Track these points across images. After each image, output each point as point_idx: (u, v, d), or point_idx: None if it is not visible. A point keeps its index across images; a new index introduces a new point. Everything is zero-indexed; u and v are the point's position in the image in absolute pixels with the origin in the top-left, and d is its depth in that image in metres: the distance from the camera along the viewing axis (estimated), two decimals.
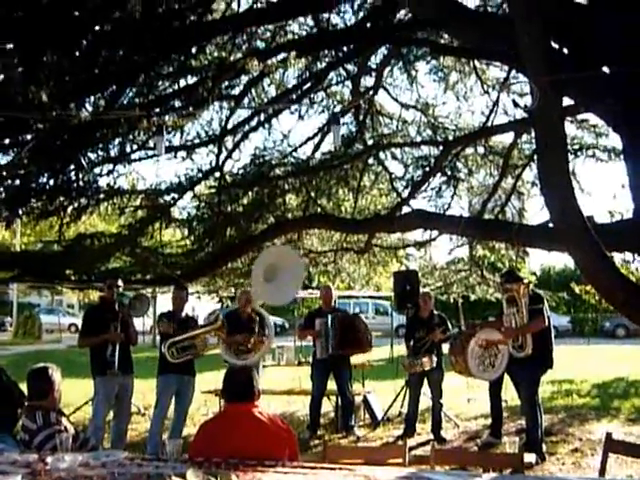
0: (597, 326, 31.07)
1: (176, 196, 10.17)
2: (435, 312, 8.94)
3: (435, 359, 8.52)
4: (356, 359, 9.73)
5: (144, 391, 10.03)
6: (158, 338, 8.04)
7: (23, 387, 4.94)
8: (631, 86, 5.87)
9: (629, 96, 5.95)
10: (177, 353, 7.58)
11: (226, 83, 8.68)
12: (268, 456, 3.63)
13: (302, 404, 10.44)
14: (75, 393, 10.11)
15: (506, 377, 7.92)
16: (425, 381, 8.80)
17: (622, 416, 9.96)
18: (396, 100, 11.14)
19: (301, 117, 10.74)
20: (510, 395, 8.51)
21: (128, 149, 9.05)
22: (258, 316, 8.64)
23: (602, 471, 4.21)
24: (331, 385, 9.16)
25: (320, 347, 8.88)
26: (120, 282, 7.79)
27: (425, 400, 8.90)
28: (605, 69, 6.24)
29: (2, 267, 10.02)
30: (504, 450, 7.41)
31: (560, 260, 35.86)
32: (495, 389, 8.14)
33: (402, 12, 9.14)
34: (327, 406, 9.41)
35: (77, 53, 6.82)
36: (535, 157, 8.37)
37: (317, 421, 9.03)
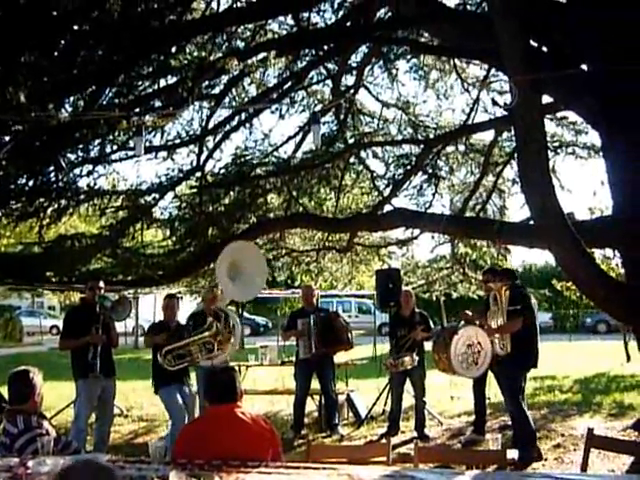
0: (578, 322, 31.28)
1: (157, 196, 10.13)
2: (417, 310, 8.95)
3: (416, 357, 8.52)
4: (339, 358, 9.73)
5: (126, 392, 9.99)
6: (140, 340, 7.98)
7: (3, 391, 4.90)
8: (609, 83, 5.92)
9: (608, 93, 6.01)
10: (174, 361, 7.38)
11: (206, 83, 8.66)
12: (251, 456, 3.62)
13: (286, 404, 10.42)
14: (57, 396, 10.04)
15: (489, 374, 7.95)
16: (408, 379, 8.81)
17: (604, 411, 10.02)
18: (377, 99, 11.17)
19: (282, 116, 10.75)
20: (493, 392, 8.55)
21: (108, 149, 9.02)
22: (223, 314, 8.39)
23: (584, 466, 4.23)
24: (315, 384, 9.16)
25: (303, 347, 8.88)
26: (102, 284, 7.72)
27: (409, 398, 8.92)
28: (584, 67, 6.29)
29: None
30: (487, 447, 7.48)
31: (541, 257, 36.16)
32: (479, 386, 8.17)
33: (382, 11, 9.17)
34: (311, 405, 9.40)
35: (55, 53, 6.78)
36: (515, 155, 8.41)
37: (301, 421, 9.02)
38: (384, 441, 5.88)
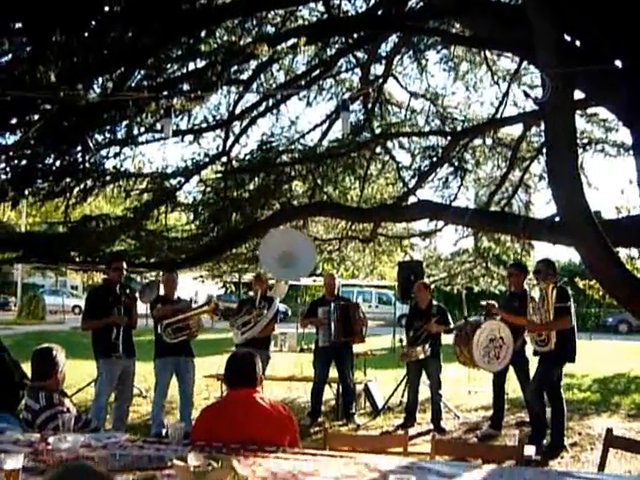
0: (600, 321, 31.06)
1: (182, 180, 10.17)
2: (435, 303, 8.90)
3: (429, 349, 8.48)
4: (358, 348, 9.73)
5: (145, 374, 10.05)
6: (149, 321, 8.10)
7: (27, 366, 4.95)
8: None
9: None
10: (173, 334, 7.68)
11: (235, 67, 8.65)
12: (269, 442, 3.63)
13: (303, 391, 10.45)
14: (78, 374, 10.14)
15: (510, 369, 7.93)
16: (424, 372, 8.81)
17: (622, 412, 9.96)
18: (405, 89, 11.11)
19: (309, 104, 10.74)
20: (512, 387, 8.50)
21: (135, 131, 9.05)
22: (269, 298, 8.66)
23: (602, 466, 4.20)
24: (333, 373, 9.17)
25: (322, 335, 8.89)
26: (124, 264, 7.80)
27: (425, 390, 8.91)
28: (617, 63, 6.20)
29: (7, 247, 10.02)
30: (504, 442, 7.47)
31: (565, 254, 35.85)
32: (499, 381, 8.14)
33: (414, 0, 9.09)
34: (328, 394, 9.41)
35: (86, 33, 6.79)
36: (544, 150, 8.34)
37: (318, 408, 9.04)
38: (401, 432, 5.89)
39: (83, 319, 7.81)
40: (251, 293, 9.02)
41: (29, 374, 4.52)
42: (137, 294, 7.95)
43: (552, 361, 7.25)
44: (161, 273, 9.10)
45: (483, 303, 8.20)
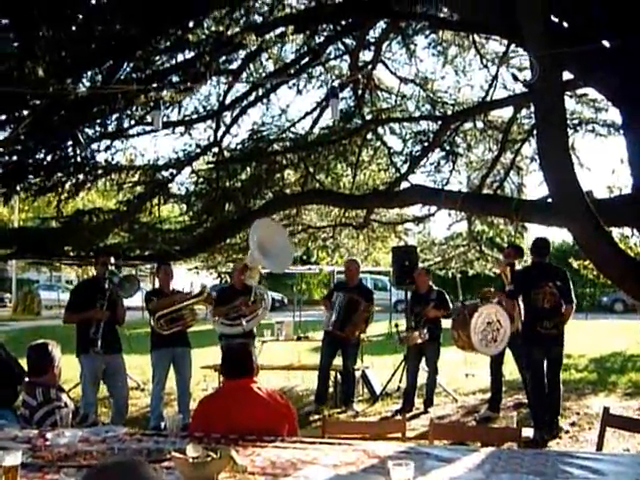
0: (595, 301, 31.15)
1: (174, 172, 10.15)
2: (435, 288, 8.92)
3: (426, 333, 8.51)
4: None
5: (142, 366, 10.07)
6: (146, 314, 8.07)
7: (23, 362, 4.95)
8: (631, 60, 5.83)
9: (629, 70, 5.92)
10: (166, 325, 7.67)
11: (224, 58, 8.63)
12: (267, 431, 3.64)
13: (301, 379, 10.50)
14: (74, 370, 10.12)
15: (507, 352, 7.97)
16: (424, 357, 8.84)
17: (619, 390, 10.03)
18: (395, 74, 11.05)
19: (299, 92, 10.67)
20: (508, 370, 8.54)
21: (126, 124, 9.01)
22: (252, 288, 8.60)
23: (600, 445, 4.23)
24: (337, 360, 9.14)
25: (326, 319, 9.03)
26: (112, 259, 7.76)
27: (424, 375, 8.94)
28: (605, 43, 6.20)
29: (0, 244, 10.01)
30: (502, 424, 7.51)
31: (558, 235, 35.91)
32: (496, 364, 8.18)
33: None
34: (329, 379, 9.41)
35: (73, 27, 6.76)
36: (534, 132, 8.33)
37: (324, 392, 9.02)
38: (399, 417, 5.91)
39: (66, 312, 7.77)
40: (230, 282, 8.92)
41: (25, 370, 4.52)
42: (118, 289, 7.88)
43: (561, 345, 7.28)
44: (155, 266, 9.08)
45: (486, 290, 8.23)
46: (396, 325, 9.70)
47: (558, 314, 7.13)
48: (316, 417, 8.32)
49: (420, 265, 10.32)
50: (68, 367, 4.81)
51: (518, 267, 8.23)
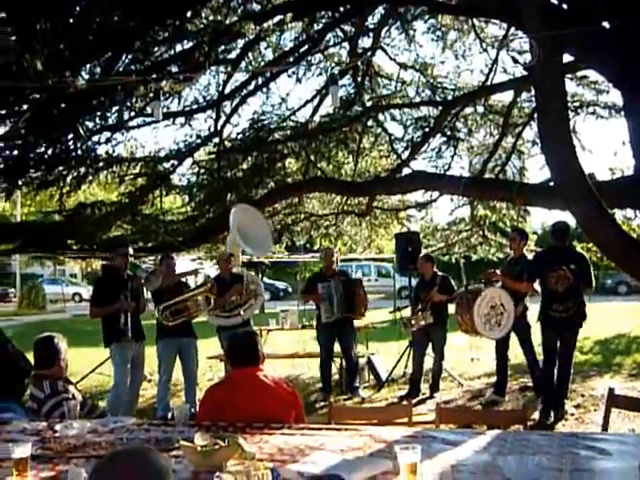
0: (599, 283, 31.09)
1: (175, 163, 10.15)
2: (439, 274, 8.92)
3: (430, 316, 8.54)
4: (359, 322, 9.74)
5: (149, 357, 10.09)
6: (151, 306, 8.09)
7: (29, 357, 4.97)
8: (631, 41, 5.81)
9: (629, 51, 5.89)
10: (171, 316, 7.70)
11: (222, 47, 8.60)
12: (274, 419, 3.66)
13: (306, 367, 10.51)
14: (81, 362, 10.16)
15: (512, 335, 7.98)
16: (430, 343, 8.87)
17: (624, 372, 10.04)
18: (394, 60, 11.02)
19: (299, 80, 10.65)
20: (514, 353, 8.55)
21: (126, 116, 9.01)
22: (240, 276, 8.55)
23: (605, 426, 4.24)
24: (336, 347, 9.19)
25: (324, 311, 8.86)
26: (131, 250, 7.82)
27: (429, 360, 8.96)
28: (605, 25, 6.17)
29: (4, 239, 10.02)
30: (508, 408, 7.53)
31: (561, 219, 35.85)
32: (502, 348, 8.18)
33: None
34: (331, 368, 9.46)
35: (71, 19, 6.75)
36: (535, 115, 8.31)
37: (329, 381, 9.06)
38: (405, 403, 5.93)
39: (91, 306, 7.81)
40: (218, 272, 8.86)
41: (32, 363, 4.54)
42: (142, 282, 7.92)
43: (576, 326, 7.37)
44: (159, 257, 9.07)
45: (490, 272, 8.21)
46: (398, 309, 9.72)
47: (571, 298, 7.10)
48: (322, 404, 8.35)
49: (423, 251, 10.32)
50: (74, 360, 4.83)
51: (525, 252, 8.27)
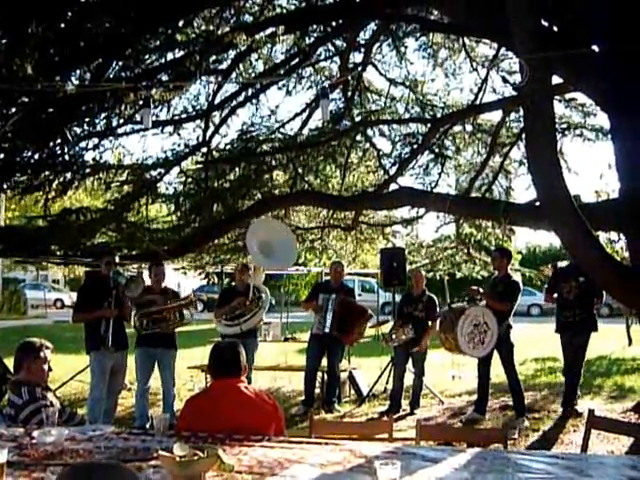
0: None
1: (162, 171, 10.12)
2: (427, 293, 8.93)
3: (411, 331, 8.55)
4: None
5: (129, 366, 10.03)
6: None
7: (9, 362, 4.93)
8: (620, 65, 5.87)
9: (618, 75, 5.95)
10: (147, 325, 7.68)
11: (213, 57, 8.61)
12: (254, 431, 3.64)
13: (288, 380, 10.48)
14: (61, 369, 10.08)
15: (495, 354, 7.99)
16: (411, 359, 8.86)
17: (604, 393, 10.07)
18: (385, 76, 11.09)
19: (289, 93, 10.70)
20: (495, 372, 8.57)
21: (114, 123, 8.98)
22: (254, 288, 8.64)
23: (584, 447, 4.25)
24: (324, 361, 9.13)
25: (317, 323, 8.88)
26: (117, 258, 7.79)
27: (410, 377, 8.95)
28: (594, 48, 6.23)
29: None
30: (488, 426, 7.53)
31: (546, 239, 36.07)
32: (484, 366, 8.19)
33: None
34: (315, 381, 9.41)
35: (62, 25, 6.73)
36: (523, 135, 8.37)
37: (312, 394, 9.01)
38: (386, 418, 5.92)
39: (74, 312, 7.79)
40: (233, 283, 8.97)
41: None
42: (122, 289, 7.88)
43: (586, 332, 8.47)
44: (146, 265, 9.05)
45: (474, 288, 8.24)
46: (379, 323, 9.73)
47: (579, 306, 8.27)
48: (303, 418, 8.31)
49: (408, 267, 10.33)
50: (55, 366, 4.78)
51: (510, 271, 8.35)
